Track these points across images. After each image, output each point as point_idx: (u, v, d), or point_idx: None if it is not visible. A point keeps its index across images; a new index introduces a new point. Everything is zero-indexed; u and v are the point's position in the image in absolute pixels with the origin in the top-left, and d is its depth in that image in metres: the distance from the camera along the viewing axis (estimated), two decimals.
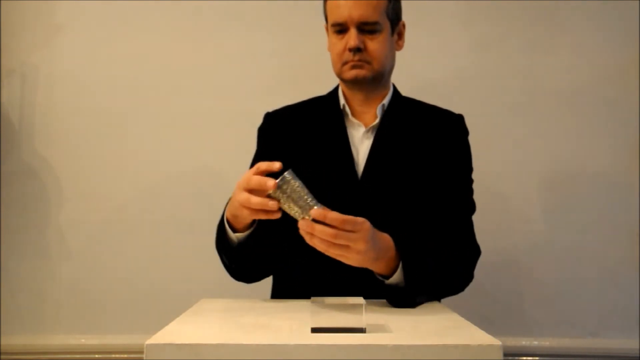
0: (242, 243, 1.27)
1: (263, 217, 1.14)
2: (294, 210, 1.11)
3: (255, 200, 1.11)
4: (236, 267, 1.36)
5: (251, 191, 1.12)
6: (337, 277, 1.29)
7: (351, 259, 1.13)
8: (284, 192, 1.10)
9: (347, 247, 1.10)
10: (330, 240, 1.08)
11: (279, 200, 1.11)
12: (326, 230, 1.07)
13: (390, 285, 1.23)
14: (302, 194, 1.10)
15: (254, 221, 1.25)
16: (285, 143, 1.48)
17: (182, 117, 2.08)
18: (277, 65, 2.09)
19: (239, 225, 1.26)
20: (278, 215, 1.13)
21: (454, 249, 1.35)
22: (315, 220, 1.08)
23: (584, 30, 2.07)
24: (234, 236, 1.27)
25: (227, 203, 1.28)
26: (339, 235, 1.08)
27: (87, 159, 2.07)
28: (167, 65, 2.09)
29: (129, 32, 2.09)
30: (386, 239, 1.21)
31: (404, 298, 1.22)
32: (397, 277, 1.22)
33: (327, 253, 1.11)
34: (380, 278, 1.24)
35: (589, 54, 2.07)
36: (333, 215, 1.08)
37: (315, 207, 1.09)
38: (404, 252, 1.22)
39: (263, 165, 1.13)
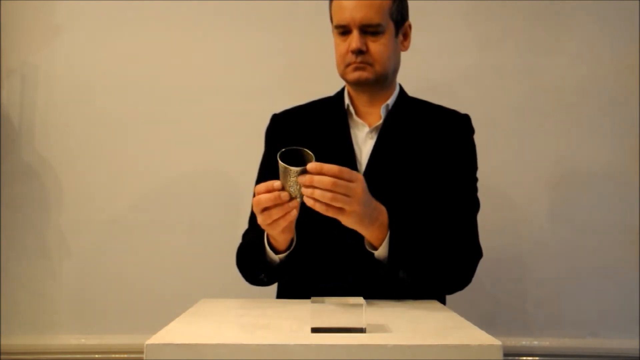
0: (283, 262, 1.33)
1: (282, 220, 1.18)
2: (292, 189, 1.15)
3: (266, 197, 1.16)
4: (271, 282, 1.41)
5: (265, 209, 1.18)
6: (341, 279, 1.30)
7: (345, 220, 1.18)
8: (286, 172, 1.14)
9: (342, 210, 1.14)
10: (329, 191, 1.11)
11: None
12: (324, 180, 1.11)
13: (377, 261, 1.27)
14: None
15: (291, 241, 1.31)
16: (290, 143, 1.48)
17: (183, 117, 2.08)
18: (280, 65, 2.08)
19: (278, 245, 1.31)
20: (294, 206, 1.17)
21: (451, 241, 1.35)
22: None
23: (586, 30, 2.07)
24: (276, 257, 1.32)
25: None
26: (337, 185, 1.12)
27: (87, 159, 2.07)
28: (168, 65, 2.09)
29: (129, 32, 2.09)
30: (381, 208, 1.25)
31: (386, 271, 1.25)
32: (383, 250, 1.25)
33: (325, 213, 1.15)
34: (369, 249, 1.28)
35: (591, 53, 2.06)
36: (329, 167, 1.12)
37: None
38: (392, 222, 1.25)
39: (261, 187, 1.18)
